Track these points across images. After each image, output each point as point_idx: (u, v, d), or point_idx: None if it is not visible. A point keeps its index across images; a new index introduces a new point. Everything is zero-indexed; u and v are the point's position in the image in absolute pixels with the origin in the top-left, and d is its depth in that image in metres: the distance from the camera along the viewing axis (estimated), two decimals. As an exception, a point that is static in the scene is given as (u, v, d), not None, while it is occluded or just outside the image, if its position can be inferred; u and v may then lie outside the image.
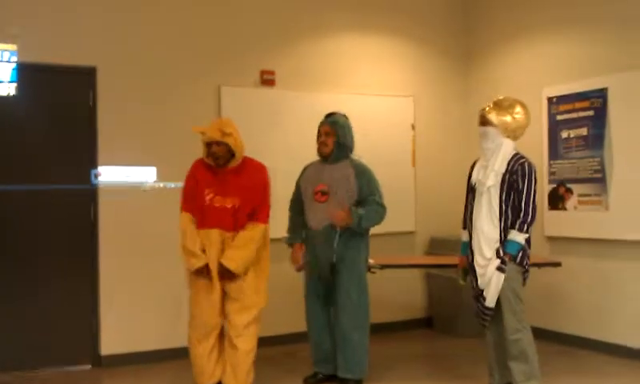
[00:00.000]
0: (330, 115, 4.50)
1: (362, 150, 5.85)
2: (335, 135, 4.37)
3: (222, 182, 4.07)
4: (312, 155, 4.55)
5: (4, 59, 4.75)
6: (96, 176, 5.05)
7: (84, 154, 5.06)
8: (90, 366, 5.04)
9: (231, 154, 4.07)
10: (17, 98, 4.81)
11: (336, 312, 4.39)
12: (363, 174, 4.36)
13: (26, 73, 4.81)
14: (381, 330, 5.67)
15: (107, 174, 5.05)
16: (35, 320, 4.91)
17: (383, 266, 4.79)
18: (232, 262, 3.97)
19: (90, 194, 5.07)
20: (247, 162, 4.17)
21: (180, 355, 4.66)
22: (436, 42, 6.42)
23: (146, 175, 5.16)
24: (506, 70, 6.06)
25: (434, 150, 6.36)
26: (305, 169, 4.59)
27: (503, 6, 6.12)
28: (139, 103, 5.13)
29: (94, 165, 5.05)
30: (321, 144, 4.42)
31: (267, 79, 5.62)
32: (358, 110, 5.92)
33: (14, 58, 4.77)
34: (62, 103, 5.05)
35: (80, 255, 5.08)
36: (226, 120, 4.32)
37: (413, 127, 6.22)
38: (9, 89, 4.78)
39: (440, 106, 6.45)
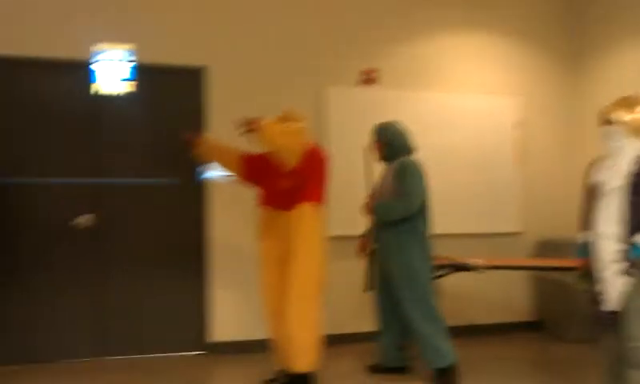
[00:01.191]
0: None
1: (463, 149, 5.84)
2: (380, 141, 4.56)
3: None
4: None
5: (123, 59, 5.03)
6: (203, 171, 5.23)
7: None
8: (202, 352, 5.24)
9: None
10: (133, 95, 5.08)
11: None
12: (399, 172, 4.39)
13: (141, 72, 5.07)
14: (484, 331, 5.56)
15: (216, 170, 5.21)
16: (152, 308, 5.17)
17: (493, 267, 4.69)
18: None
19: (200, 189, 5.26)
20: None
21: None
22: (543, 40, 6.21)
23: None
24: (620, 70, 5.75)
25: (541, 149, 6.15)
26: None
27: (618, 5, 5.81)
28: (246, 102, 5.25)
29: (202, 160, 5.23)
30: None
31: (370, 78, 5.62)
32: (461, 108, 5.87)
33: (133, 58, 5.04)
34: (174, 101, 5.26)
35: (191, 246, 5.28)
36: None
37: (517, 126, 6.03)
38: (127, 87, 5.06)
39: (547, 104, 6.22)
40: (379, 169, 4.64)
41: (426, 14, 5.85)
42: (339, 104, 5.49)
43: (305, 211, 4.11)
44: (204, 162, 4.63)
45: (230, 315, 5.27)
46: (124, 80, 5.05)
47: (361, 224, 4.75)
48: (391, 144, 4.53)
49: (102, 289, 5.08)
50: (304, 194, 4.12)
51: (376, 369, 4.68)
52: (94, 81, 5.00)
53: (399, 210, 4.34)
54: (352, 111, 5.51)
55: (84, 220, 4.97)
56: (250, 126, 4.06)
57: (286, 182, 4.14)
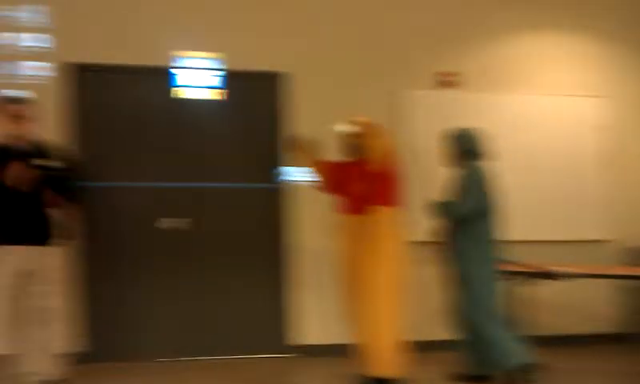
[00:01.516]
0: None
1: (547, 153, 5.69)
2: (449, 146, 4.56)
3: None
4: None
5: (209, 66, 5.19)
6: (283, 174, 5.32)
7: (274, 154, 5.36)
8: (283, 355, 5.33)
9: None
10: (218, 101, 5.24)
11: None
12: (461, 178, 4.44)
13: (226, 79, 5.25)
14: (568, 341, 5.40)
15: (293, 173, 5.30)
16: (229, 309, 5.30)
17: (577, 276, 4.55)
18: None
19: (278, 192, 5.37)
20: None
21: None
22: (632, 41, 5.98)
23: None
24: None
25: (630, 153, 5.92)
26: None
27: None
28: (323, 106, 5.32)
29: (282, 164, 5.34)
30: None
31: (447, 81, 5.57)
32: (543, 111, 5.73)
33: (213, 66, 5.20)
34: (256, 106, 5.38)
35: (274, 249, 5.38)
36: None
37: (603, 129, 5.83)
38: (213, 93, 5.23)
39: (638, 106, 5.98)
40: (449, 174, 4.61)
41: (504, 16, 5.77)
42: (417, 107, 5.48)
43: (380, 214, 4.13)
44: (299, 165, 4.70)
45: (311, 318, 5.34)
46: (210, 87, 5.23)
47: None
48: (459, 150, 4.50)
49: (187, 290, 5.25)
50: (379, 198, 4.14)
51: (461, 377, 4.62)
52: (181, 87, 5.20)
53: (449, 210, 4.38)
54: (430, 114, 5.49)
55: (170, 223, 5.14)
56: (295, 145, 4.30)
57: (362, 186, 4.17)
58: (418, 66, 5.57)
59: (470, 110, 5.51)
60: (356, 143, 4.20)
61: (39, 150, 4.08)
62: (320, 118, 5.31)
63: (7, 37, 4.97)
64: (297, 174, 5.28)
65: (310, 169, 4.45)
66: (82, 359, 4.90)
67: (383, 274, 4.08)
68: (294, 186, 5.33)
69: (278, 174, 5.34)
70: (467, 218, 4.36)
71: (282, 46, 5.34)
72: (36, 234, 4.03)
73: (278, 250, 5.37)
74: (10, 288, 3.93)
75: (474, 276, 4.34)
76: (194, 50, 5.19)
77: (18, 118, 4.05)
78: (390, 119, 5.37)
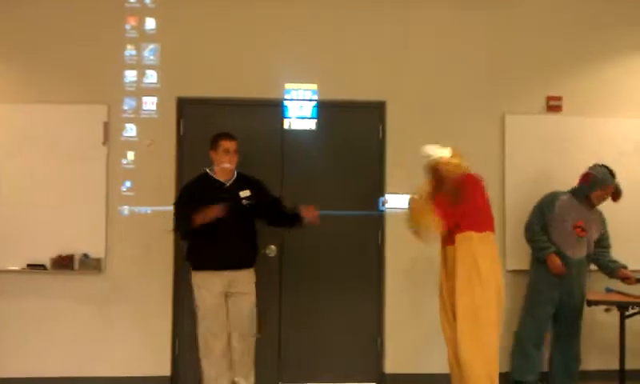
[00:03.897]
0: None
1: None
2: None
3: None
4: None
5: (306, 97, 5.33)
6: (383, 203, 5.36)
7: (373, 183, 5.41)
8: (375, 384, 5.33)
9: None
10: (315, 132, 5.36)
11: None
12: (604, 221, 5.09)
13: (323, 109, 5.36)
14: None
15: (394, 201, 5.32)
16: (326, 336, 5.35)
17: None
18: None
19: (377, 220, 5.39)
20: None
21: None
22: None
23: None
24: None
25: None
26: (556, 198, 5.00)
27: None
28: (425, 134, 5.27)
29: (382, 192, 5.37)
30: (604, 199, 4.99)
31: (553, 105, 5.45)
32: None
33: (315, 96, 5.32)
34: (354, 136, 5.45)
35: (367, 276, 5.40)
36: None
37: None
38: (310, 124, 5.35)
39: None
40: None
41: (613, 37, 5.58)
42: (520, 132, 5.39)
43: (464, 240, 4.10)
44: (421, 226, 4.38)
45: (409, 347, 5.31)
46: (309, 117, 5.35)
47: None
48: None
49: (286, 315, 5.35)
50: (463, 224, 4.11)
51: None
52: (283, 117, 5.35)
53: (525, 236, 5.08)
54: (533, 139, 5.40)
55: (271, 250, 5.27)
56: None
57: (449, 214, 4.12)
58: (528, 90, 5.48)
59: (574, 133, 5.39)
60: (440, 169, 4.24)
61: (242, 182, 4.61)
62: (419, 145, 5.26)
63: (125, 74, 5.30)
64: (398, 203, 5.31)
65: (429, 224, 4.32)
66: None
67: (470, 300, 4.02)
68: (396, 214, 5.32)
69: (381, 203, 5.37)
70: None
71: (386, 75, 5.39)
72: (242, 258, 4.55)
73: (378, 279, 5.39)
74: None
75: (532, 297, 5.09)
76: (293, 82, 5.34)
77: (228, 152, 4.54)
78: (492, 144, 5.33)
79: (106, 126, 5.21)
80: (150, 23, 5.32)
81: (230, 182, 4.58)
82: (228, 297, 4.51)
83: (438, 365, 5.04)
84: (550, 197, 5.02)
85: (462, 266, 4.07)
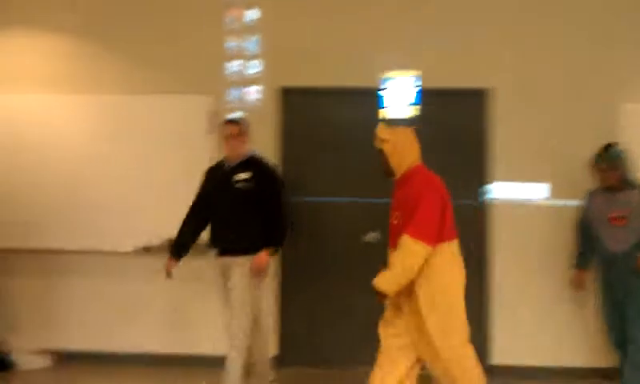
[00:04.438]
0: (607, 149, 4.60)
1: None
2: (617, 169, 4.55)
3: (394, 197, 3.63)
4: None
5: (409, 84, 5.28)
6: (486, 192, 5.24)
7: (474, 172, 5.31)
8: (489, 375, 5.16)
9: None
10: (417, 119, 5.29)
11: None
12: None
13: (426, 97, 5.30)
14: None
15: (499, 190, 5.21)
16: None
17: None
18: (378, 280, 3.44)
19: (479, 209, 5.29)
20: (417, 172, 3.59)
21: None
22: None
23: (538, 192, 5.20)
24: None
25: None
26: (588, 193, 4.74)
27: None
28: (533, 122, 5.19)
29: (484, 182, 5.27)
30: (607, 179, 4.59)
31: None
32: None
33: (418, 83, 5.27)
34: (457, 124, 5.37)
35: (470, 266, 5.28)
36: (382, 125, 3.72)
37: None
38: (413, 111, 5.30)
39: None
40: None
41: None
42: (636, 122, 5.12)
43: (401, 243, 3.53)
44: None
45: (512, 337, 5.19)
46: (410, 104, 5.30)
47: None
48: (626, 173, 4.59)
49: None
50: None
51: None
52: (382, 106, 5.32)
53: None
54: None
55: (372, 236, 5.24)
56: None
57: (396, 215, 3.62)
58: (634, 79, 5.24)
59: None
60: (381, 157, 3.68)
61: (245, 166, 4.34)
62: (527, 134, 5.21)
63: (227, 65, 5.40)
64: (503, 192, 5.19)
65: None
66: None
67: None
68: (500, 203, 5.24)
69: (484, 192, 5.26)
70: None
71: (488, 62, 5.28)
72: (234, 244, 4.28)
73: (481, 268, 5.29)
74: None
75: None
76: (394, 70, 5.30)
77: (228, 137, 4.38)
78: (606, 135, 5.11)
79: (211, 115, 5.32)
80: (253, 14, 5.39)
81: (232, 165, 4.37)
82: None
83: (544, 358, 4.94)
84: (585, 194, 4.79)
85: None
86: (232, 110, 5.31)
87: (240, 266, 4.23)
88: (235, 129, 4.39)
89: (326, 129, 5.42)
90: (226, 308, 4.30)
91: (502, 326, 5.20)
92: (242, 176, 4.31)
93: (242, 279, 4.23)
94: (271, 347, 4.87)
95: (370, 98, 5.33)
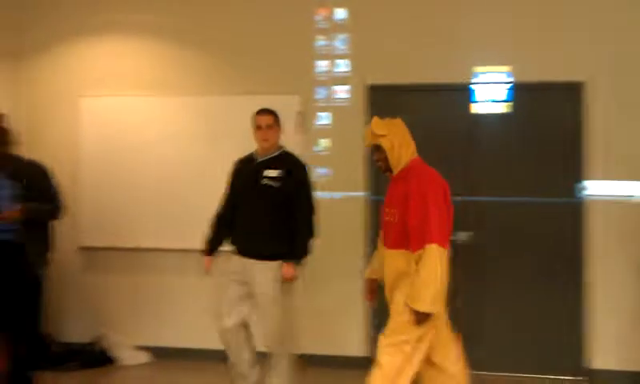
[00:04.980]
0: None
1: None
2: None
3: (389, 193, 3.56)
4: None
5: (500, 79, 5.17)
6: (583, 189, 5.09)
7: (569, 169, 5.15)
8: (580, 378, 5.06)
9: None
10: (509, 115, 5.20)
11: None
12: None
13: (517, 91, 5.18)
14: None
15: (596, 187, 5.05)
16: (529, 326, 5.17)
17: None
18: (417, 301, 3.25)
19: (575, 207, 5.12)
20: (416, 167, 3.51)
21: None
22: None
23: (637, 189, 5.01)
24: None
25: None
26: None
27: None
28: (631, 116, 4.98)
29: (580, 179, 5.11)
30: None
31: None
32: None
33: (509, 79, 5.15)
34: (550, 118, 5.21)
35: (566, 265, 5.16)
36: (377, 120, 3.58)
37: None
38: (504, 107, 5.19)
39: None
40: None
41: None
42: None
43: (427, 253, 3.41)
44: None
45: (612, 342, 5.01)
46: (501, 100, 5.20)
47: None
48: None
49: (479, 303, 5.24)
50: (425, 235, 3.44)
51: None
52: (473, 102, 5.24)
53: None
54: None
55: (463, 236, 5.17)
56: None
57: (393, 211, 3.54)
58: None
59: None
60: (378, 153, 3.60)
61: (276, 162, 4.21)
62: (623, 129, 5.02)
63: (315, 64, 5.45)
64: (600, 189, 5.02)
65: None
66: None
67: None
68: (598, 201, 5.06)
69: (581, 189, 5.11)
70: None
71: (583, 54, 5.10)
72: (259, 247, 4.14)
73: (577, 265, 5.12)
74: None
75: None
76: (484, 66, 5.21)
77: (262, 127, 4.23)
78: None
79: (299, 115, 5.35)
80: (341, 13, 5.41)
81: (263, 159, 4.25)
82: (250, 298, 4.20)
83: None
84: None
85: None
86: (320, 109, 5.39)
87: (270, 270, 4.11)
88: (270, 118, 4.25)
89: (413, 127, 5.36)
90: (235, 305, 4.16)
91: (602, 330, 5.03)
92: (271, 173, 4.16)
93: (274, 285, 4.12)
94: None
95: (459, 94, 5.25)
